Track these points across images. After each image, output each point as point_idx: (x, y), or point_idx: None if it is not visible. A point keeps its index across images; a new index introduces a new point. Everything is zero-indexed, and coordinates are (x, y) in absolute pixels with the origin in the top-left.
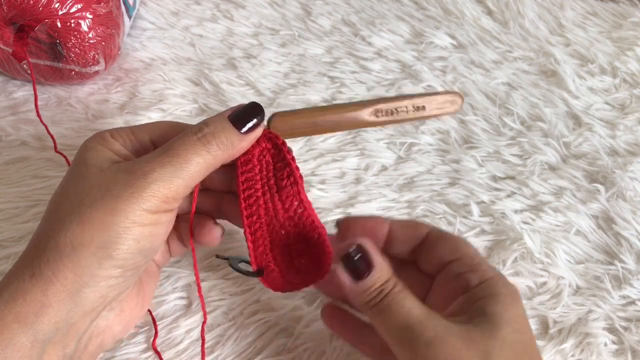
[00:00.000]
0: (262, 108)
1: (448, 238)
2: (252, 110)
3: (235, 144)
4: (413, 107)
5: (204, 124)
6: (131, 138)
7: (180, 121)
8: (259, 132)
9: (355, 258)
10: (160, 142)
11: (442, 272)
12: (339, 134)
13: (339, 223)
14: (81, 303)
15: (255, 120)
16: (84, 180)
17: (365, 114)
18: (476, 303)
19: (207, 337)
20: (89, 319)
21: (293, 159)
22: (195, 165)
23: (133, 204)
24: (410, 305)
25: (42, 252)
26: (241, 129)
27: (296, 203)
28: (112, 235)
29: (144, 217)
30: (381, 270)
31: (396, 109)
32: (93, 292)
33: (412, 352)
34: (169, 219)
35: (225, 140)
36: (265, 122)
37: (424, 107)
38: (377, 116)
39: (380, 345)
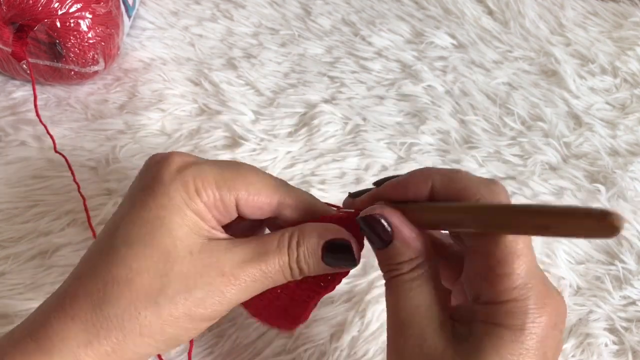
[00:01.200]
0: (355, 259)
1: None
2: (348, 253)
3: (312, 274)
4: (534, 225)
5: (301, 240)
6: (216, 197)
7: (181, 120)
8: (333, 271)
9: (375, 227)
10: (245, 209)
11: (478, 241)
12: (339, 133)
13: (377, 183)
14: None
15: (343, 265)
16: (169, 258)
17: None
18: (487, 319)
19: (207, 337)
20: None
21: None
22: (274, 283)
23: (212, 312)
24: (419, 303)
25: (103, 322)
26: (326, 262)
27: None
28: (182, 333)
29: (214, 319)
30: (402, 246)
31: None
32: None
33: (397, 345)
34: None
35: (307, 270)
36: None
37: (546, 227)
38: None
39: None
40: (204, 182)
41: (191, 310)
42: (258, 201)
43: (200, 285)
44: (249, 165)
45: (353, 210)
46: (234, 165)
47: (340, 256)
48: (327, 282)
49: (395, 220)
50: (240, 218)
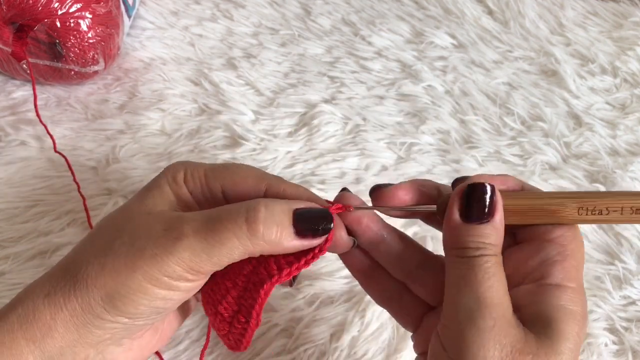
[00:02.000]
0: (332, 221)
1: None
2: (321, 218)
3: (283, 244)
4: (632, 209)
5: (264, 205)
6: (202, 184)
7: (181, 120)
8: (312, 243)
9: (483, 197)
10: (231, 195)
11: (527, 243)
12: (339, 133)
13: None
14: (86, 336)
15: (319, 231)
16: (130, 218)
17: (568, 210)
18: (547, 308)
19: None
20: (93, 351)
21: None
22: (231, 250)
23: (153, 265)
24: (503, 286)
25: (62, 275)
26: (298, 232)
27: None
28: (124, 289)
29: (162, 280)
30: (497, 229)
31: (607, 209)
32: (98, 330)
33: (460, 317)
34: (189, 287)
35: (273, 236)
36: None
37: None
38: (580, 214)
39: (388, 290)
40: (194, 173)
41: (130, 261)
42: (244, 187)
43: (144, 237)
44: (243, 163)
45: (347, 205)
46: (227, 163)
47: (315, 220)
48: (284, 265)
49: (499, 199)
50: None
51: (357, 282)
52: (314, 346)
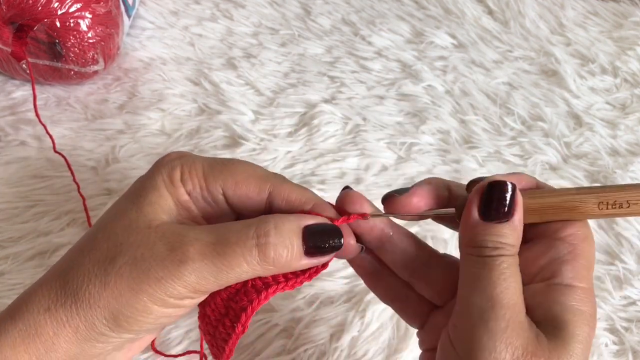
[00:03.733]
0: (342, 236)
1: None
2: (331, 236)
3: (293, 265)
4: None
5: (274, 226)
6: (202, 185)
7: (181, 120)
8: (322, 260)
9: (504, 195)
10: (233, 197)
11: (537, 241)
12: (339, 133)
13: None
14: (89, 350)
15: (327, 250)
16: (130, 231)
17: (588, 206)
18: (557, 308)
19: None
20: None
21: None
22: (239, 274)
23: (158, 289)
24: (514, 286)
25: (61, 288)
26: (308, 250)
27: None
28: (129, 310)
29: (167, 302)
30: (516, 229)
31: (627, 202)
32: (101, 344)
33: (472, 318)
34: (194, 303)
35: (284, 260)
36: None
37: None
38: (600, 209)
39: (393, 289)
40: (191, 171)
41: (135, 283)
42: (246, 190)
43: (147, 258)
44: (243, 160)
45: (363, 214)
46: (226, 159)
47: (325, 237)
48: (290, 276)
49: (519, 198)
50: (236, 215)
51: (357, 282)
52: (314, 346)
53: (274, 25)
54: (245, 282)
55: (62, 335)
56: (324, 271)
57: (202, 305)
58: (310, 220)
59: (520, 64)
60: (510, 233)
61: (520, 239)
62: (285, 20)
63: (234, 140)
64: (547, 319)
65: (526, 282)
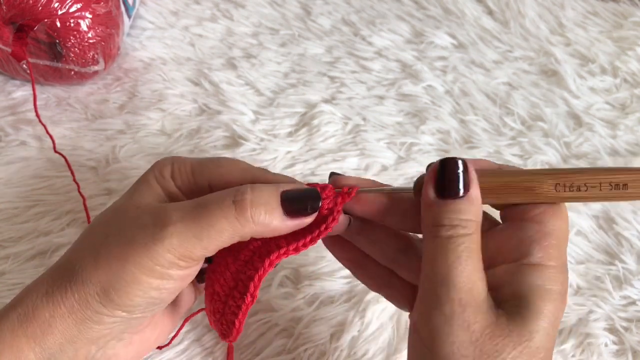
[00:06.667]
0: (320, 199)
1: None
2: (309, 198)
3: (273, 224)
4: (610, 184)
5: (251, 187)
6: (189, 178)
7: (181, 120)
8: (304, 222)
9: (455, 171)
10: (219, 189)
11: (508, 223)
12: (339, 133)
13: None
14: (86, 332)
15: (307, 210)
16: (120, 213)
17: (544, 187)
18: (523, 287)
19: (207, 337)
20: (94, 347)
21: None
22: (220, 232)
23: (144, 255)
24: (479, 268)
25: (59, 273)
26: (288, 212)
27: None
28: (118, 282)
29: (154, 270)
30: (472, 203)
31: (585, 185)
32: (97, 325)
33: (429, 303)
34: (182, 275)
35: (262, 216)
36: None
37: (625, 186)
38: (557, 190)
39: (378, 276)
40: (181, 169)
41: (121, 253)
42: (230, 180)
43: (133, 228)
44: (230, 157)
45: (352, 187)
46: (214, 157)
47: (303, 197)
48: (292, 241)
49: (473, 174)
50: None
51: (357, 282)
52: (314, 346)
53: (274, 25)
54: (252, 254)
55: (57, 317)
56: (324, 271)
57: (209, 284)
58: (288, 187)
59: (520, 64)
60: (467, 208)
61: (480, 216)
62: (285, 21)
63: (234, 141)
64: (512, 298)
65: (498, 263)
